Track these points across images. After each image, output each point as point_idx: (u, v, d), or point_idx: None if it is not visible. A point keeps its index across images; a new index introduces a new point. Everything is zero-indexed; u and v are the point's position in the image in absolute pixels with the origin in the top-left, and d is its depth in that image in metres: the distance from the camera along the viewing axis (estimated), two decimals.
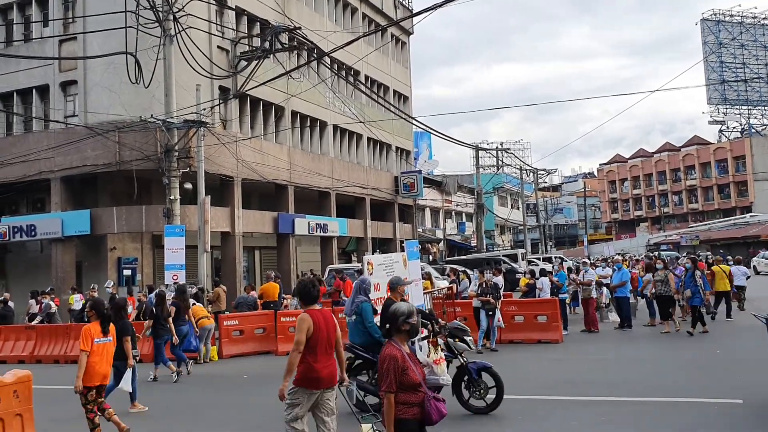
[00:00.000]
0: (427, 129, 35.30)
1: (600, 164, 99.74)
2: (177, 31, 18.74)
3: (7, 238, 23.87)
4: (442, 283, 20.13)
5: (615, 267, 17.51)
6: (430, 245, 45.59)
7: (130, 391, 9.43)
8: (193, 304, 14.85)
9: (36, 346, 17.01)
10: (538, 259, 36.68)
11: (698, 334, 14.64)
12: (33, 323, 18.71)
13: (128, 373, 9.01)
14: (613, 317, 18.00)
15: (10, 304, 19.80)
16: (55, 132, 23.39)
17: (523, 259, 35.43)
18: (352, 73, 32.68)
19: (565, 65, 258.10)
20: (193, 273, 20.01)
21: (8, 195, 24.86)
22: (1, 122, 25.19)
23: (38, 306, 19.61)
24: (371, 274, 12.12)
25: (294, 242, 28.61)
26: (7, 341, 17.44)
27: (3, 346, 17.36)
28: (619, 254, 33.39)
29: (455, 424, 7.76)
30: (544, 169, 62.32)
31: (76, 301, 19.89)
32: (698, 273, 15.42)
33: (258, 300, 18.08)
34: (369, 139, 35.42)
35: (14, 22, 25.06)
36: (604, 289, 18.19)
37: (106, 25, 19.66)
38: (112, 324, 7.91)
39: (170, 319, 12.56)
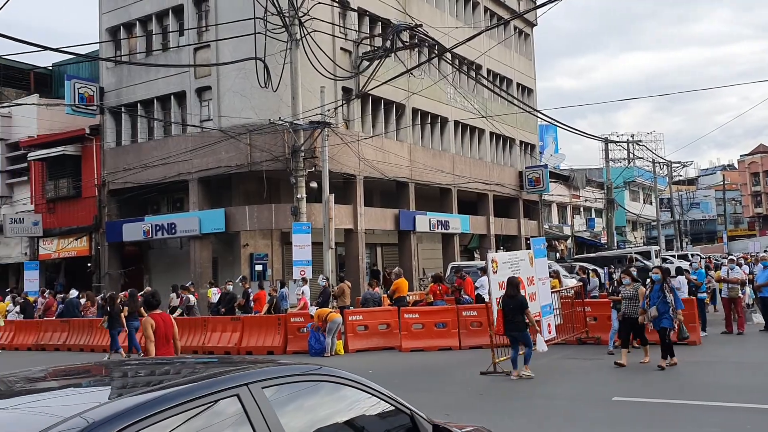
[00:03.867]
0: (552, 122, 34.28)
1: (741, 155, 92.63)
2: (302, 35, 19.27)
3: (150, 235, 25.55)
4: (571, 282, 19.44)
5: (761, 265, 16.19)
6: (557, 242, 44.28)
7: None
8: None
9: None
10: (673, 256, 34.64)
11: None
12: (174, 316, 19.92)
13: None
14: (758, 318, 16.68)
15: None
16: (192, 136, 24.77)
17: (657, 257, 33.60)
18: (474, 67, 32.29)
19: (701, 51, 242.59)
20: (318, 268, 20.53)
21: (151, 195, 26.60)
22: (144, 128, 27.00)
23: (179, 299, 20.86)
24: (496, 272, 11.88)
25: (415, 239, 28.67)
26: None
27: None
28: (767, 251, 30.90)
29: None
30: (679, 162, 58.82)
31: (214, 295, 20.93)
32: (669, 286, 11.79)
33: (383, 296, 18.31)
34: (492, 133, 34.88)
35: (153, 32, 26.78)
36: (747, 288, 16.91)
37: (236, 32, 20.54)
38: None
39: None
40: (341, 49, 24.75)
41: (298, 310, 17.57)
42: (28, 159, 28.86)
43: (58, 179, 28.36)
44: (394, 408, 3.52)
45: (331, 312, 15.40)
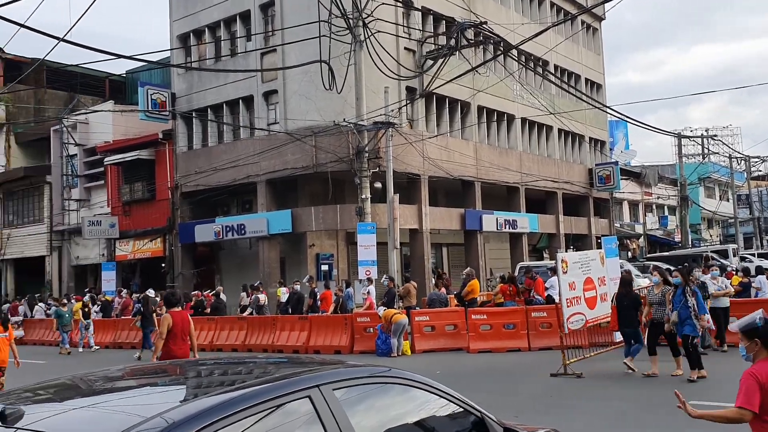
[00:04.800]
0: (622, 117, 33.24)
1: None
2: (366, 36, 19.36)
3: (221, 236, 26.17)
4: (644, 282, 18.86)
5: None
6: (628, 241, 43.06)
7: None
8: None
9: (247, 336, 18.44)
10: (753, 255, 33.19)
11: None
12: (244, 314, 20.35)
13: None
14: None
15: (222, 296, 21.70)
16: (259, 139, 25.23)
17: (734, 255, 32.25)
18: (540, 63, 31.75)
19: None
20: (384, 268, 20.57)
21: (221, 197, 27.24)
22: (214, 132, 27.67)
23: (248, 298, 21.30)
24: (566, 272, 11.63)
25: (482, 239, 28.39)
26: (222, 331, 19.13)
27: (218, 335, 19.07)
28: None
29: None
30: (758, 157, 56.16)
31: (283, 294, 21.27)
32: (690, 289, 10.88)
33: (450, 297, 18.21)
34: (560, 130, 34.21)
35: (221, 38, 27.41)
36: None
37: (301, 35, 20.80)
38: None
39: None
40: (405, 48, 24.74)
41: (364, 309, 17.65)
42: (105, 164, 29.98)
43: (133, 183, 29.39)
44: (463, 410, 3.51)
45: (396, 313, 15.39)
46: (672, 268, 23.01)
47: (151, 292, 22.77)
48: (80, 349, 20.62)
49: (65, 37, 12.51)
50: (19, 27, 11.99)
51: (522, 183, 30.65)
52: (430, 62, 24.49)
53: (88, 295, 25.00)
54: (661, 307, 11.10)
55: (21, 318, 24.79)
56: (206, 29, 27.52)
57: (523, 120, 31.47)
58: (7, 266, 34.98)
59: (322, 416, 2.84)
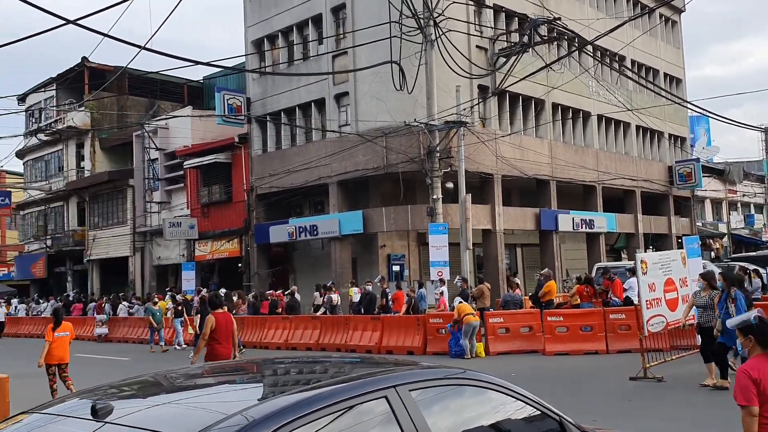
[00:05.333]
0: (703, 112, 32.06)
1: None
2: (437, 35, 19.29)
3: (294, 237, 26.61)
4: None
5: None
6: (711, 241, 41.30)
7: None
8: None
9: (321, 335, 18.67)
10: None
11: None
12: (317, 314, 20.61)
13: None
14: None
15: (297, 296, 22.05)
16: (331, 141, 25.52)
17: None
18: (617, 59, 30.88)
19: None
20: (456, 269, 20.43)
21: (294, 199, 27.72)
22: (287, 134, 28.17)
23: (321, 298, 21.56)
24: (645, 273, 11.26)
25: (557, 239, 27.83)
26: (297, 330, 19.44)
27: (293, 334, 19.39)
28: None
29: None
30: None
31: (355, 294, 21.43)
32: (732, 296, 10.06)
33: (525, 298, 17.95)
34: (638, 127, 33.17)
35: (294, 43, 27.88)
36: None
37: (372, 37, 20.91)
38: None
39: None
40: (477, 47, 24.51)
41: (436, 311, 17.58)
42: (184, 167, 30.97)
43: (210, 185, 30.26)
44: (540, 413, 3.45)
45: (468, 313, 15.24)
46: (760, 269, 21.99)
47: (222, 292, 23.37)
48: (177, 347, 20.80)
49: (146, 46, 12.97)
50: (102, 37, 12.52)
51: (599, 181, 29.89)
52: (502, 60, 24.18)
53: (169, 294, 25.84)
54: (706, 311, 10.60)
55: (106, 316, 25.84)
56: (279, 34, 28.03)
57: (600, 117, 30.69)
58: (93, 266, 36.65)
59: (399, 417, 2.85)
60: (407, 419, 2.85)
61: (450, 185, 21.53)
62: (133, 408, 2.84)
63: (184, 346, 20.74)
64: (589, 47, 25.82)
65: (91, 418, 2.56)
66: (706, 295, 10.75)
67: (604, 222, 29.78)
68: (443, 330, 16.09)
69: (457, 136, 20.37)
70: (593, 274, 23.09)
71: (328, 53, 25.88)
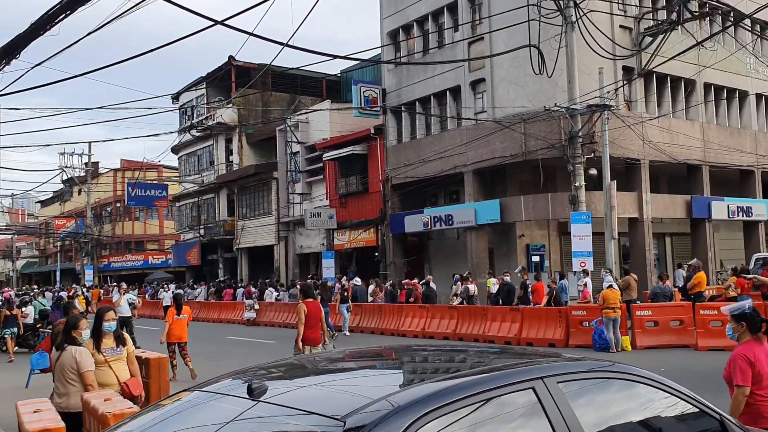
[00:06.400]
0: None
1: None
2: (578, 16, 18.54)
3: (429, 226, 26.69)
4: None
5: None
6: None
7: None
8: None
9: (458, 325, 18.62)
10: None
11: None
12: (454, 304, 20.57)
13: None
14: None
15: (432, 285, 22.11)
16: (466, 129, 25.30)
17: None
18: None
19: None
20: (600, 260, 19.62)
21: (429, 188, 27.79)
22: (422, 124, 28.26)
23: (457, 288, 21.48)
24: None
25: (711, 228, 26.00)
26: (434, 319, 19.52)
27: (429, 323, 19.48)
28: None
29: None
30: None
31: (493, 285, 21.17)
32: None
33: (675, 290, 16.97)
34: None
35: (429, 31, 27.85)
36: None
37: (509, 22, 20.43)
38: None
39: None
40: (620, 26, 23.30)
41: (580, 302, 16.99)
42: (323, 159, 31.96)
43: (348, 177, 31.03)
44: (697, 410, 3.25)
45: (608, 309, 14.61)
46: None
47: (357, 281, 23.87)
48: (346, 333, 20.81)
49: (288, 43, 13.40)
50: (248, 36, 13.09)
51: (758, 166, 27.57)
52: (648, 39, 22.83)
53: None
54: None
55: (254, 301, 27.21)
56: (414, 24, 28.12)
57: (758, 96, 28.28)
58: (241, 254, 38.83)
59: (547, 409, 2.77)
60: (556, 412, 2.76)
61: (593, 172, 20.69)
62: (283, 389, 2.92)
63: (347, 334, 20.71)
64: (747, 21, 23.77)
65: (247, 396, 2.66)
66: None
67: (763, 209, 27.54)
68: (587, 323, 15.52)
69: (601, 120, 19.51)
70: (751, 266, 21.41)
71: (463, 40, 25.64)
